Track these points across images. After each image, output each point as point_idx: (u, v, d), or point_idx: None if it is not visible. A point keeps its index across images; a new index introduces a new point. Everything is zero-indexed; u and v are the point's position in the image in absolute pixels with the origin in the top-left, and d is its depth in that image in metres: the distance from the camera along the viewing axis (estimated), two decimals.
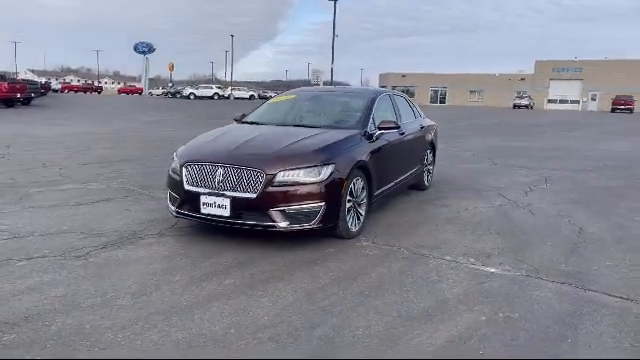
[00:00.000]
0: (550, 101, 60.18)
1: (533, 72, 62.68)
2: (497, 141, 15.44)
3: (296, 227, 4.20)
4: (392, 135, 5.55)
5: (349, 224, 4.54)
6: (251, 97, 59.58)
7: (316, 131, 4.97)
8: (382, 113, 5.71)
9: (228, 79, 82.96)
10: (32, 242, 4.33)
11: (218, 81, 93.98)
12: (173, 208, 4.63)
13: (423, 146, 6.98)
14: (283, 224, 4.15)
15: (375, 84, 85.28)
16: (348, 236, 4.55)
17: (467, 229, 5.08)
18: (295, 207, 4.16)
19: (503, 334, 2.85)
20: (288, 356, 2.56)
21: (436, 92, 69.65)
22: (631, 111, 47.76)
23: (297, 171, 4.20)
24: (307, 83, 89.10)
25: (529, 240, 4.74)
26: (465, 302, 3.29)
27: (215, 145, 4.75)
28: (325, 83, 47.84)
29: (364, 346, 2.70)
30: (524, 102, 54.03)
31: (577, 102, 58.88)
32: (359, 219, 4.72)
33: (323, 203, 4.21)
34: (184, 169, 4.47)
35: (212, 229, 4.64)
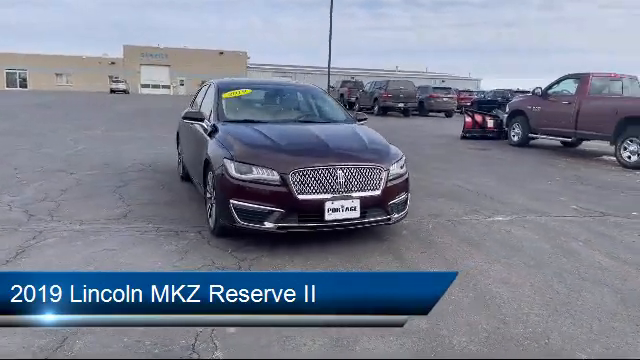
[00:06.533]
0: (143, 86, 62.15)
1: (122, 56, 63.05)
2: None
3: (398, 217, 4.53)
4: None
5: None
6: None
7: (348, 126, 5.18)
8: None
9: None
10: None
11: None
12: (269, 225, 4.00)
13: None
14: (396, 216, 4.47)
15: None
16: None
17: (424, 197, 6.31)
18: (399, 199, 4.54)
19: (623, 252, 4.56)
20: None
21: (14, 75, 60.23)
22: None
23: (396, 164, 4.56)
24: None
25: (469, 199, 6.46)
26: (558, 238, 4.82)
27: (300, 146, 4.38)
28: None
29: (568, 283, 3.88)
30: (122, 87, 54.09)
31: (168, 87, 63.07)
32: None
33: (407, 192, 4.70)
34: (291, 177, 3.97)
35: (257, 235, 4.28)
